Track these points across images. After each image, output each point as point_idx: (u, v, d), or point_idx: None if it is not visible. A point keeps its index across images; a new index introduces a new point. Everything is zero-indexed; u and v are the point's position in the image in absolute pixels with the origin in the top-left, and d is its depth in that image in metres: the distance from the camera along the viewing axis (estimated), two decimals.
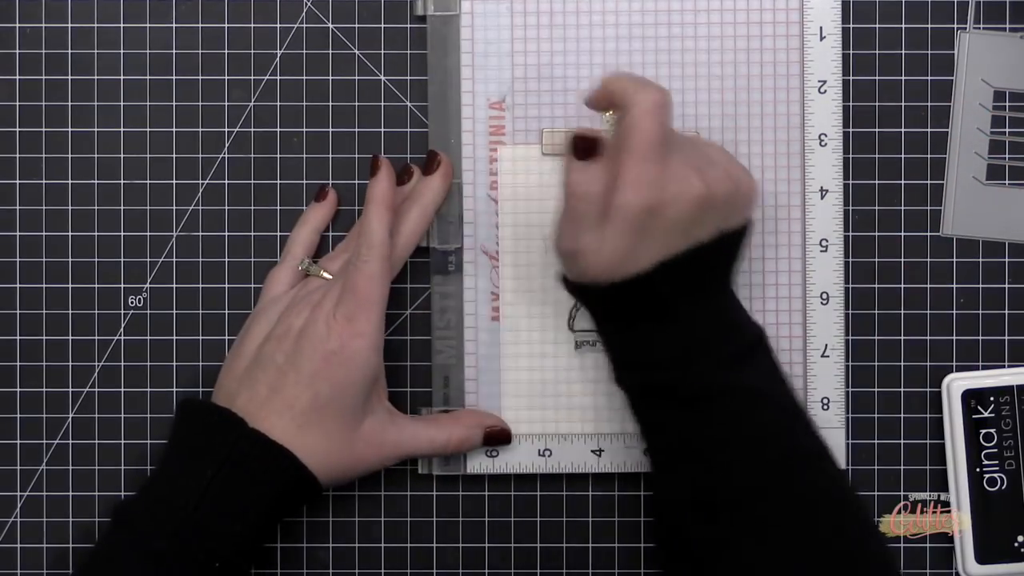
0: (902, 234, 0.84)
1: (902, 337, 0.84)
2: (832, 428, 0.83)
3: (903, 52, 0.84)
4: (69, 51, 0.84)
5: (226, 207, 0.85)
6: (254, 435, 0.75)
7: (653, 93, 0.71)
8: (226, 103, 0.85)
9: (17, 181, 0.84)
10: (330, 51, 0.85)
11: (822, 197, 0.83)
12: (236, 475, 0.75)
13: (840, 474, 0.75)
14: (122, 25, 0.85)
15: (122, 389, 0.85)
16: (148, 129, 0.85)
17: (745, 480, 0.71)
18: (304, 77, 0.85)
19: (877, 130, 0.84)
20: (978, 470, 0.83)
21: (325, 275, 0.81)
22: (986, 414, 0.83)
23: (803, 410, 0.75)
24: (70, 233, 0.84)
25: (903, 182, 0.84)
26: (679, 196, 0.71)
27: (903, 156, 0.84)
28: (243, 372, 0.78)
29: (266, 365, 0.77)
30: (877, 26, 0.84)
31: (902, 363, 0.84)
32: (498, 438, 0.83)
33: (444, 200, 0.83)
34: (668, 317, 0.72)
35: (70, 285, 0.84)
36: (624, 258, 0.71)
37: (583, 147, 0.72)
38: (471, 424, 0.82)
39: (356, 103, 0.85)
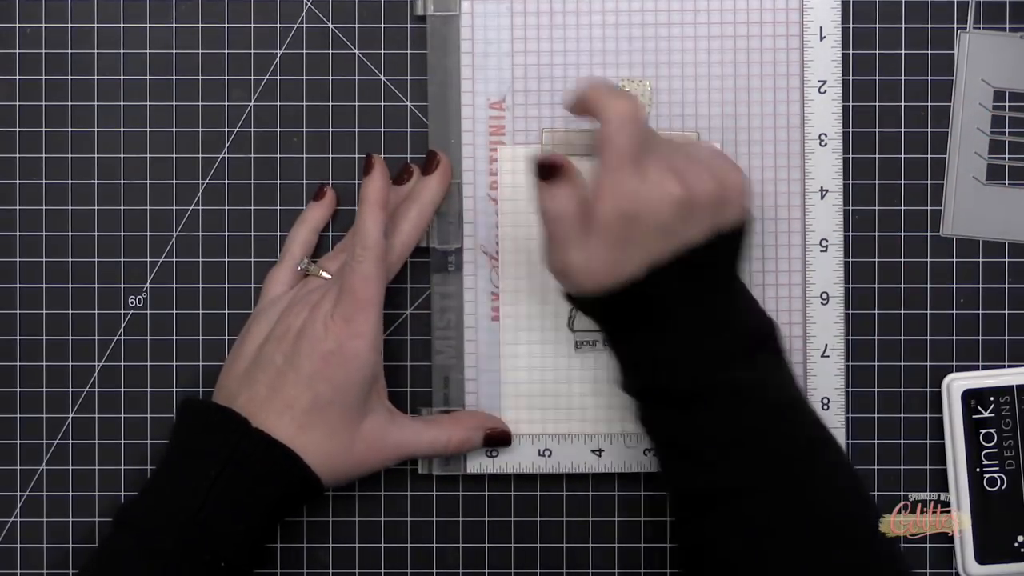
0: (902, 234, 0.84)
1: (902, 337, 0.84)
2: (832, 428, 0.82)
3: (903, 52, 0.84)
4: (69, 51, 0.84)
5: (226, 207, 0.85)
6: (257, 435, 0.75)
7: (622, 104, 0.72)
8: (226, 103, 0.85)
9: (17, 181, 0.84)
10: (330, 51, 0.85)
11: (822, 197, 0.83)
12: (240, 475, 0.75)
13: (840, 465, 0.74)
14: (122, 25, 0.85)
15: (122, 389, 0.85)
16: (148, 129, 0.85)
17: (734, 478, 0.71)
18: (304, 77, 0.85)
19: (877, 130, 0.84)
20: (978, 470, 0.83)
21: (324, 275, 0.81)
22: (986, 414, 0.83)
23: (804, 403, 0.75)
24: (70, 233, 0.84)
25: (903, 182, 0.84)
26: (657, 200, 0.71)
27: (903, 156, 0.84)
28: (243, 372, 0.78)
29: (266, 366, 0.77)
30: (877, 26, 0.84)
31: (902, 363, 0.84)
32: (498, 439, 0.83)
33: (443, 200, 0.82)
34: (666, 320, 0.73)
35: (70, 285, 0.84)
36: (613, 268, 0.72)
37: (547, 170, 0.73)
38: (471, 425, 0.82)
39: (356, 103, 0.85)
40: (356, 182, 0.84)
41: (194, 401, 0.79)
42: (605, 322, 0.76)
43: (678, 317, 0.73)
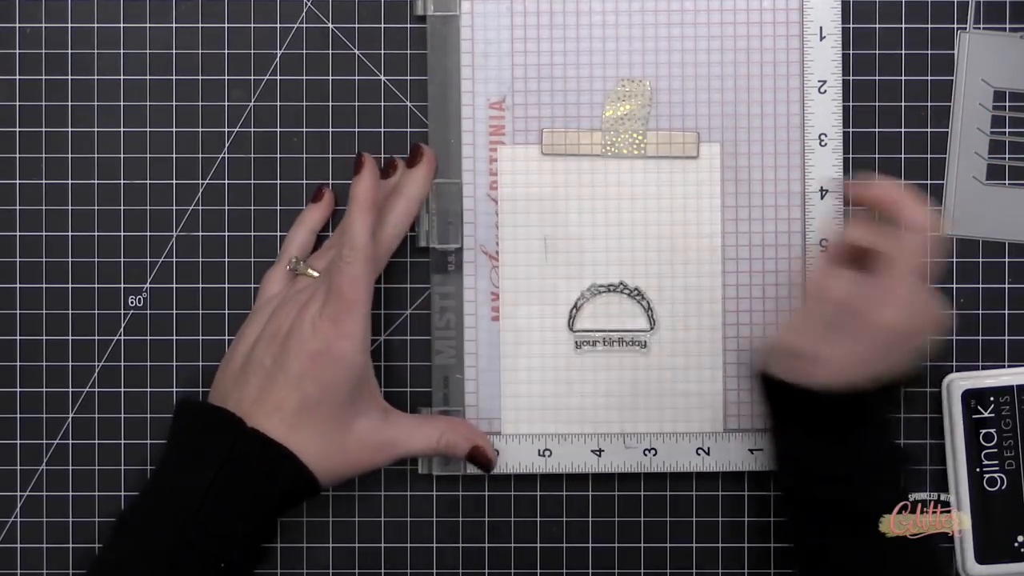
0: None
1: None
2: None
3: (903, 52, 0.84)
4: (69, 51, 0.84)
5: (226, 207, 0.85)
6: (253, 435, 0.75)
7: (929, 219, 0.77)
8: (226, 103, 0.85)
9: (17, 181, 0.84)
10: (330, 51, 0.85)
11: (822, 197, 0.83)
12: (237, 475, 0.75)
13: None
14: (122, 25, 0.85)
15: (122, 389, 0.85)
16: (148, 129, 0.85)
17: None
18: (304, 77, 0.85)
19: (877, 130, 0.84)
20: (978, 470, 0.83)
21: (312, 273, 0.81)
22: (986, 414, 0.83)
23: None
24: (70, 233, 0.84)
25: (903, 182, 0.84)
26: (929, 324, 0.77)
27: (903, 156, 0.84)
28: (236, 373, 0.78)
29: (256, 367, 0.77)
30: (877, 26, 0.84)
31: None
32: (479, 460, 0.82)
33: (429, 191, 0.82)
34: (855, 434, 0.76)
35: (70, 285, 0.84)
36: (855, 370, 0.75)
37: (850, 255, 0.78)
38: (463, 433, 0.82)
39: (356, 103, 0.85)
40: None
41: (190, 402, 0.79)
42: (791, 414, 0.78)
43: (871, 435, 0.77)
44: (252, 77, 0.85)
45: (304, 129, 0.85)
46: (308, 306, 0.77)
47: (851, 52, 0.84)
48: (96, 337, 0.85)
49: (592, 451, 0.84)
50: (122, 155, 0.85)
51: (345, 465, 0.78)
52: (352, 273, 0.76)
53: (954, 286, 0.84)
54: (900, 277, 0.75)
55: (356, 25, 0.85)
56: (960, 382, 0.83)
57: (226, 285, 0.84)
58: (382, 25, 0.85)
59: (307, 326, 0.76)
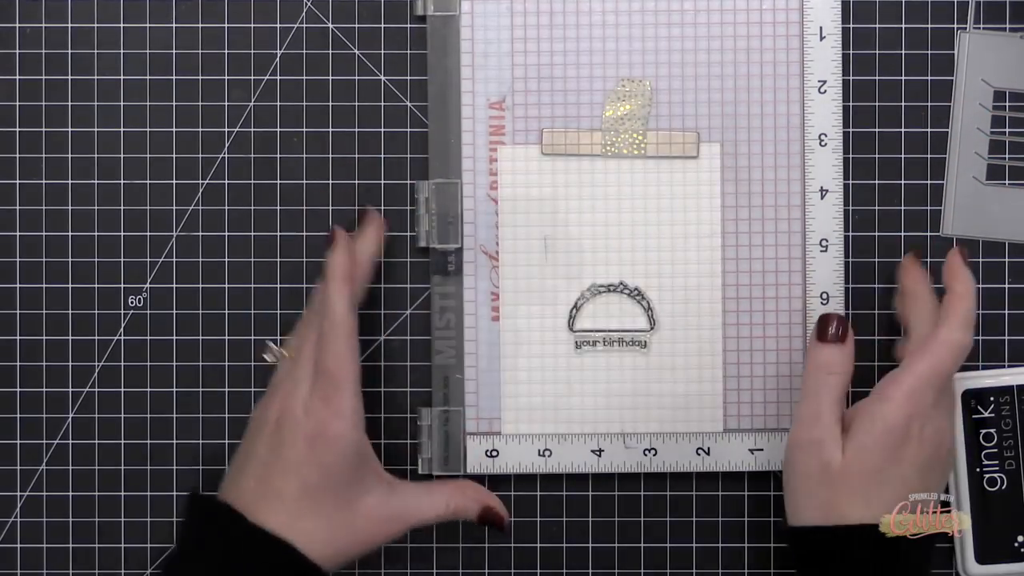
0: (902, 234, 0.84)
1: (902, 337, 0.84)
2: None
3: (903, 52, 0.84)
4: (69, 51, 0.84)
5: (226, 207, 0.85)
6: (252, 530, 0.74)
7: (967, 335, 0.76)
8: (226, 103, 0.85)
9: (17, 181, 0.84)
10: (330, 51, 0.85)
11: (822, 197, 0.83)
12: (239, 573, 0.74)
13: None
14: (122, 25, 0.85)
15: (122, 389, 0.85)
16: (148, 129, 0.85)
17: None
18: (304, 77, 0.85)
19: (877, 130, 0.84)
20: (978, 470, 0.83)
21: (286, 354, 0.79)
22: (986, 414, 0.83)
23: None
24: (70, 233, 0.84)
25: (903, 182, 0.84)
26: (929, 439, 0.76)
27: (903, 156, 0.84)
28: (239, 464, 0.77)
29: (251, 458, 0.76)
30: (877, 26, 0.84)
31: None
32: (492, 520, 0.81)
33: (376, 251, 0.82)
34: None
35: (70, 285, 0.84)
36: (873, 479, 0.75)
37: (824, 331, 0.78)
38: (471, 496, 0.81)
39: (356, 103, 0.85)
40: (355, 182, 0.84)
41: (196, 495, 0.78)
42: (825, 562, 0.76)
43: None
44: (252, 77, 0.85)
45: (304, 129, 0.85)
46: (294, 392, 0.76)
47: (851, 52, 0.84)
48: (96, 337, 0.85)
49: (592, 451, 0.84)
50: (122, 155, 0.85)
51: (354, 545, 0.76)
52: (335, 350, 0.75)
53: None
54: (918, 369, 0.76)
55: (356, 25, 0.85)
56: (960, 382, 0.83)
57: (226, 285, 0.84)
58: (382, 25, 0.85)
59: (299, 410, 0.75)
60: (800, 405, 0.78)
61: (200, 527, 0.76)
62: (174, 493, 0.85)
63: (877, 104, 0.84)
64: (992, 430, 0.83)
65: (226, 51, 0.85)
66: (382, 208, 0.84)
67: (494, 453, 0.84)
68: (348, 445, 0.75)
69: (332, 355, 0.75)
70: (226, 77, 0.85)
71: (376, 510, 0.77)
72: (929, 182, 0.84)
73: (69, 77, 0.84)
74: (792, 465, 0.78)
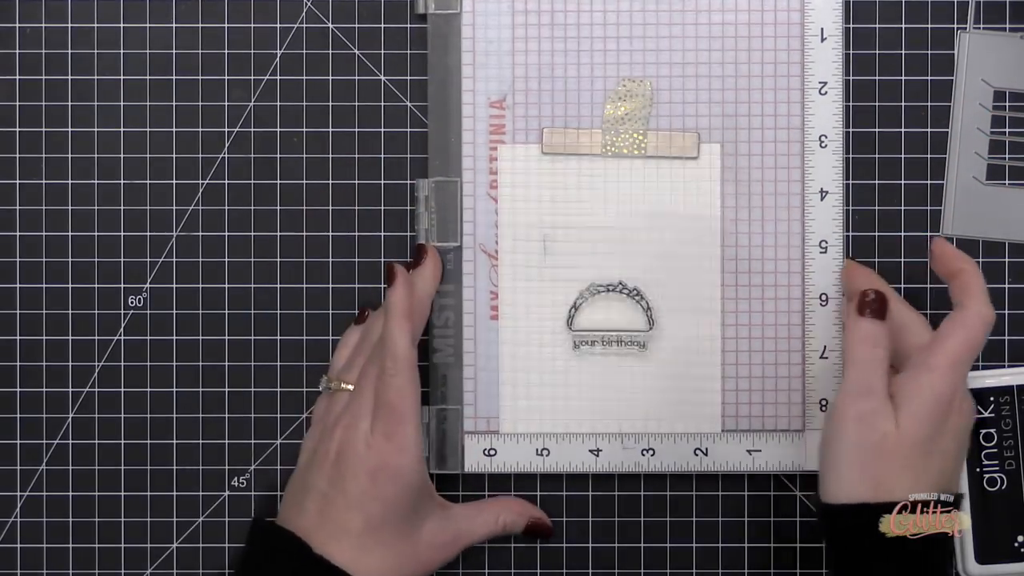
0: (902, 234, 0.84)
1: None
2: None
3: (903, 52, 0.84)
4: (69, 51, 0.85)
5: (226, 207, 0.85)
6: (317, 560, 0.74)
7: (991, 311, 0.76)
8: (226, 103, 0.85)
9: (17, 181, 0.85)
10: (330, 51, 0.85)
11: (822, 199, 0.83)
12: None
13: None
14: (122, 25, 0.85)
15: (122, 389, 0.85)
16: (148, 129, 0.85)
17: None
18: (304, 77, 0.85)
19: (877, 130, 0.84)
20: (978, 470, 0.83)
21: (346, 387, 0.79)
22: (986, 414, 0.83)
23: None
24: (70, 233, 0.84)
25: (903, 182, 0.84)
26: (967, 410, 0.77)
27: (903, 156, 0.84)
28: (296, 496, 0.78)
29: (312, 492, 0.76)
30: (877, 26, 0.84)
31: None
32: (540, 531, 0.83)
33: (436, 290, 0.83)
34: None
35: (70, 285, 0.85)
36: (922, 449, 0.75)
37: (870, 303, 0.77)
38: (517, 511, 0.82)
39: (356, 103, 0.85)
40: (356, 182, 0.84)
41: (262, 521, 0.78)
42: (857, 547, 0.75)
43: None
44: (252, 77, 0.85)
45: (304, 129, 0.85)
46: (356, 425, 0.76)
47: (851, 52, 0.84)
48: (96, 337, 0.85)
49: (590, 451, 0.84)
50: (122, 155, 0.85)
51: (417, 572, 0.77)
52: (398, 385, 0.76)
53: None
54: (949, 345, 0.76)
55: (356, 25, 0.85)
56: None
57: (226, 285, 0.85)
58: (382, 25, 0.85)
59: (360, 445, 0.75)
60: (848, 378, 0.76)
61: (265, 553, 0.76)
62: (174, 493, 0.85)
63: (877, 104, 0.84)
64: (992, 430, 0.83)
65: (226, 51, 0.85)
66: (382, 208, 0.84)
67: (492, 452, 0.84)
68: (410, 480, 0.76)
69: (395, 390, 0.75)
70: (226, 77, 0.85)
71: (436, 536, 0.78)
72: (929, 182, 0.84)
73: (69, 77, 0.85)
74: (842, 438, 0.75)
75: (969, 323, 0.76)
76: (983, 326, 0.76)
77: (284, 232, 0.84)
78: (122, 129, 0.85)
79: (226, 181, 0.85)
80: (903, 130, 0.84)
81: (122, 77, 0.85)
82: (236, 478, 0.85)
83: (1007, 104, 0.84)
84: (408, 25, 0.85)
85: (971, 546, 0.83)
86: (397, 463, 0.75)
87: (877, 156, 0.84)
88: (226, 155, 0.85)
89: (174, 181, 0.85)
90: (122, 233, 0.85)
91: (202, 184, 0.85)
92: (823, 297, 0.83)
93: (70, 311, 0.85)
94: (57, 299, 0.84)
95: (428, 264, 0.82)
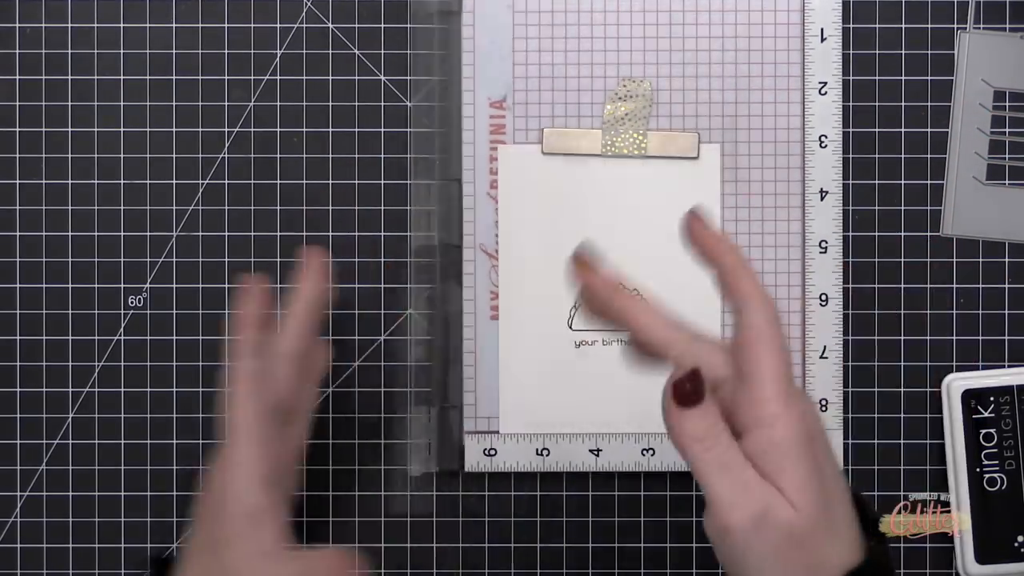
0: (902, 234, 0.84)
1: (902, 337, 0.84)
2: (830, 430, 0.83)
3: (903, 52, 0.84)
4: (69, 51, 0.85)
5: (226, 207, 0.85)
6: None
7: (769, 298, 0.65)
8: (226, 103, 0.85)
9: (17, 181, 0.85)
10: (330, 51, 0.85)
11: (822, 199, 0.83)
12: None
13: None
14: (122, 25, 0.85)
15: (122, 389, 0.85)
16: (148, 129, 0.85)
17: None
18: (304, 77, 0.85)
19: (877, 130, 0.84)
20: (978, 470, 0.83)
21: None
22: (986, 414, 0.83)
23: None
24: (70, 233, 0.85)
25: (903, 182, 0.84)
26: (807, 403, 0.64)
27: (903, 156, 0.84)
28: None
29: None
30: (877, 26, 0.84)
31: (902, 363, 0.84)
32: None
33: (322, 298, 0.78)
34: None
35: (70, 285, 0.85)
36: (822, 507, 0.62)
37: (689, 394, 0.64)
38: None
39: (356, 103, 0.85)
40: (356, 182, 0.84)
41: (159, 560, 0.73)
42: None
43: None
44: (252, 77, 0.85)
45: (304, 129, 0.85)
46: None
47: (851, 52, 0.84)
48: (96, 337, 0.85)
49: (590, 450, 0.84)
50: (122, 155, 0.85)
51: None
52: (233, 400, 0.72)
53: (954, 286, 0.84)
54: (768, 379, 0.63)
55: (356, 25, 0.85)
56: (960, 382, 0.83)
57: (226, 285, 0.85)
58: (382, 25, 0.85)
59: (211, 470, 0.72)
60: (709, 491, 0.62)
61: None
62: (174, 493, 0.85)
63: (877, 104, 0.84)
64: (992, 430, 0.83)
65: (226, 51, 0.85)
66: (382, 208, 0.84)
67: (492, 452, 0.84)
68: (238, 495, 0.69)
69: (230, 404, 0.72)
70: (226, 77, 0.85)
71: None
72: (929, 182, 0.84)
73: (69, 77, 0.85)
74: (742, 556, 0.62)
75: (765, 333, 0.64)
76: (775, 320, 0.64)
77: (284, 232, 0.84)
78: (122, 129, 0.85)
79: (226, 181, 0.85)
80: (903, 130, 0.84)
81: (122, 77, 0.85)
82: None
83: (1007, 104, 0.84)
84: (408, 25, 0.85)
85: (971, 546, 0.83)
86: (225, 477, 0.69)
87: (877, 156, 0.84)
88: (226, 155, 0.85)
89: (174, 181, 0.85)
90: (122, 233, 0.85)
91: (202, 184, 0.85)
92: (823, 297, 0.83)
93: (70, 311, 0.85)
94: (57, 299, 0.84)
95: (312, 272, 0.77)
